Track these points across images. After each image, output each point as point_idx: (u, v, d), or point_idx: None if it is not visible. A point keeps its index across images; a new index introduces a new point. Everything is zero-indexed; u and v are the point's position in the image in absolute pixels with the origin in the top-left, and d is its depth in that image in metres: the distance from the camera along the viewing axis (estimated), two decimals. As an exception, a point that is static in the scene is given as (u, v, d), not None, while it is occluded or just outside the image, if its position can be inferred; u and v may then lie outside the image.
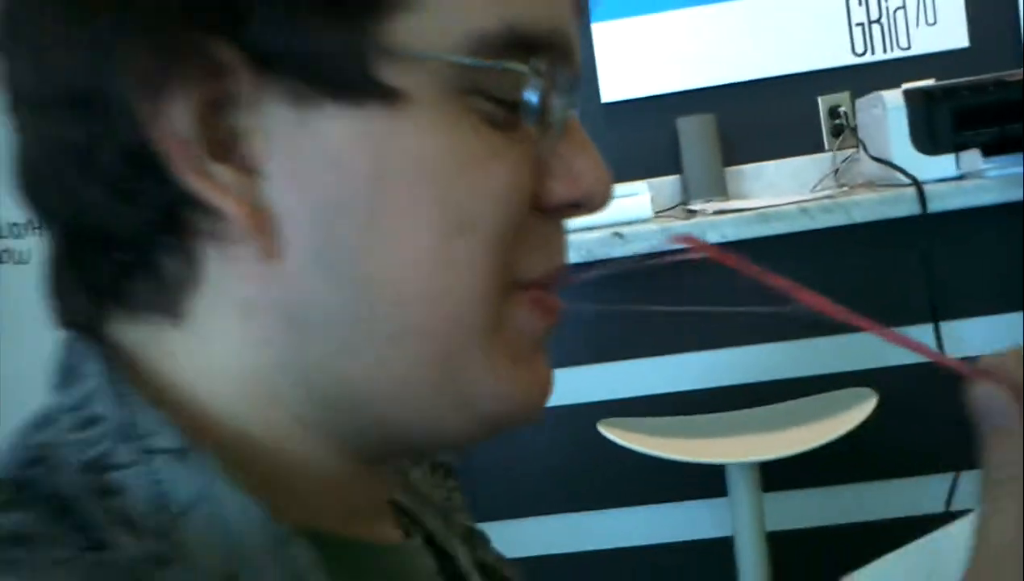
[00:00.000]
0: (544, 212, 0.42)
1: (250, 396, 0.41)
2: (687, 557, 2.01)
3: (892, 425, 1.77)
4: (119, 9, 0.36)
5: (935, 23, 2.33)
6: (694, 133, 2.24)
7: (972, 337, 1.89)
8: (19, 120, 0.41)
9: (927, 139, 1.88)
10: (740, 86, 2.34)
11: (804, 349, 1.94)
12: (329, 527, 0.43)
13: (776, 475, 1.81)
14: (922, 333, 1.84)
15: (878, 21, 2.34)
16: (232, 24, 0.36)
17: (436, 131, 0.38)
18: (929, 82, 2.22)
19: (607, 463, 1.94)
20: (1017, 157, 1.80)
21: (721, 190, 2.23)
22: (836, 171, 2.31)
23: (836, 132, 2.34)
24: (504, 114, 0.40)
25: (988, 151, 1.81)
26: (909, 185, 1.80)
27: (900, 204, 1.77)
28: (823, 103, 2.35)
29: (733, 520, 1.75)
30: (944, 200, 1.77)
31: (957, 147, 1.85)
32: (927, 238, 1.82)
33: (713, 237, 1.77)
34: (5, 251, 1.35)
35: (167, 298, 0.41)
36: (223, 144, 0.38)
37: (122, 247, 0.40)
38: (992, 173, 1.80)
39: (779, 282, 0.40)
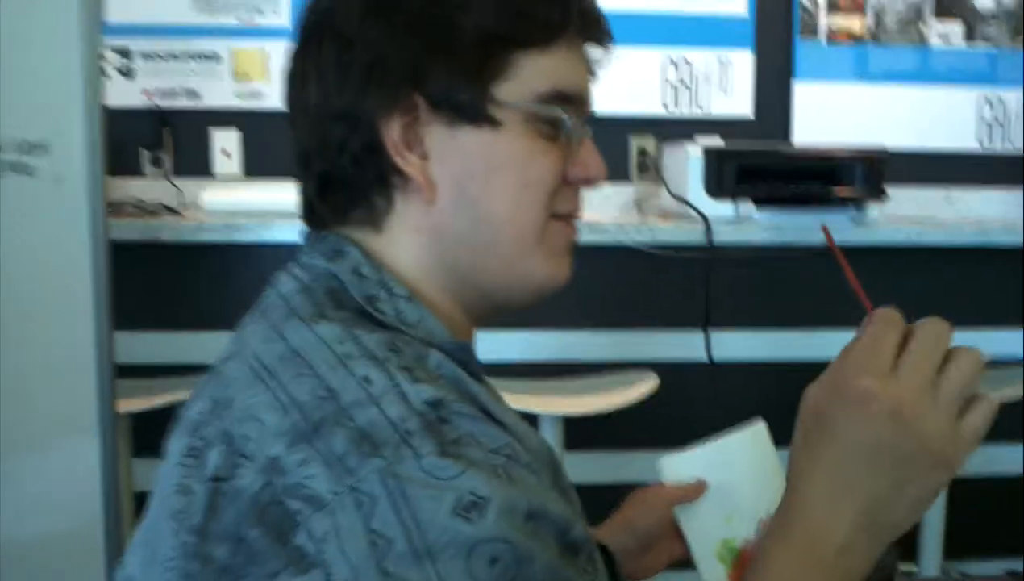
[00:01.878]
0: (569, 184, 0.78)
1: (420, 276, 0.77)
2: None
3: (670, 402, 2.27)
4: (370, 73, 0.73)
5: (729, 94, 2.89)
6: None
7: (733, 345, 2.44)
8: (301, 122, 0.77)
9: (715, 186, 2.40)
10: (572, 118, 2.79)
11: (602, 337, 2.41)
12: None
13: (577, 436, 2.26)
14: (695, 339, 2.36)
15: (685, 84, 2.87)
16: (423, 85, 0.73)
17: (516, 141, 0.75)
18: (718, 140, 2.77)
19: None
20: (780, 210, 2.35)
21: (549, 201, 2.67)
22: (638, 201, 2.82)
23: (642, 168, 2.85)
24: (552, 132, 0.76)
25: (759, 202, 2.36)
26: (699, 220, 2.32)
27: (692, 234, 2.28)
28: (634, 143, 2.86)
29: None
30: (724, 235, 2.29)
31: (736, 196, 2.38)
32: (709, 263, 2.34)
33: (551, 238, 2.20)
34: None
35: (375, 218, 0.76)
36: (412, 143, 0.74)
37: (353, 189, 0.76)
38: (760, 219, 2.34)
39: (859, 289, 0.74)
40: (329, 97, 0.74)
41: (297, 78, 0.78)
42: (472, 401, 0.67)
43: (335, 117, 0.74)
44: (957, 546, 2.50)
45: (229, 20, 2.69)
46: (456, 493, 0.59)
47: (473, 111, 0.73)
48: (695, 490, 1.20)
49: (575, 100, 0.77)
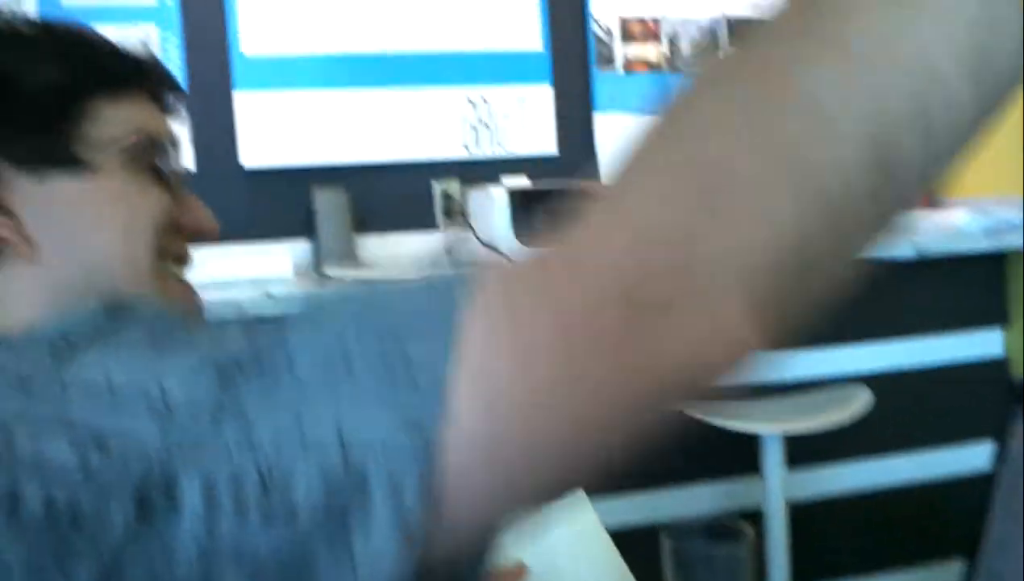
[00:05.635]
0: (180, 231, 0.76)
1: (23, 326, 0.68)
2: None
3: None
4: None
5: (531, 131, 2.80)
6: (329, 204, 2.50)
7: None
8: None
9: (524, 230, 2.29)
10: (370, 166, 2.65)
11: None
12: None
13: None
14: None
15: (486, 124, 2.76)
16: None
17: (114, 180, 0.72)
18: (524, 179, 2.67)
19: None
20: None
21: (352, 257, 2.50)
22: (448, 248, 2.68)
23: (448, 213, 2.71)
24: (150, 174, 0.74)
25: (570, 243, 2.25)
26: (510, 266, 2.19)
27: (504, 282, 2.15)
28: (437, 188, 2.72)
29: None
30: (537, 281, 2.17)
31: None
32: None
33: (351, 300, 2.02)
34: None
35: None
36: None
37: None
38: (573, 261, 2.24)
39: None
40: None
41: None
42: None
43: None
44: (803, 572, 2.46)
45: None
46: None
47: (60, 157, 0.70)
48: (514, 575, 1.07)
49: (163, 145, 0.76)
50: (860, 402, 2.25)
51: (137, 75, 0.76)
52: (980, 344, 2.70)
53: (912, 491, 2.67)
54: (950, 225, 2.57)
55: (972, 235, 2.50)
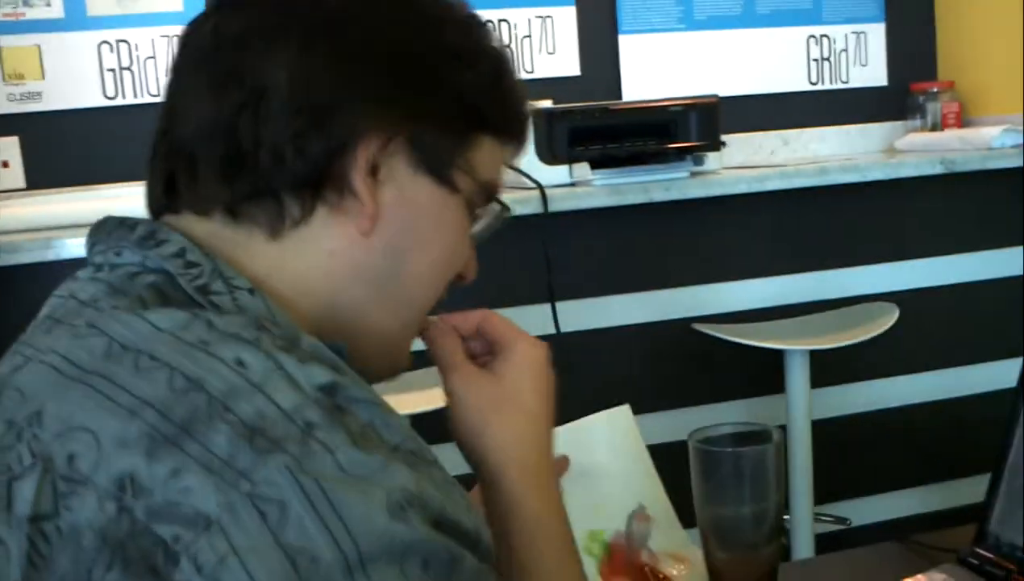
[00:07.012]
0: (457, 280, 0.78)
1: (295, 297, 0.68)
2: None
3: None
4: (377, 80, 0.68)
5: (554, 52, 2.77)
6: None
7: (580, 314, 2.33)
8: (229, 89, 0.66)
9: (547, 151, 2.27)
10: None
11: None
12: None
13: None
14: (541, 311, 2.23)
15: (508, 47, 2.73)
16: (418, 116, 0.69)
17: (459, 212, 0.73)
18: (548, 102, 2.65)
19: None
20: (616, 171, 2.24)
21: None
22: (471, 172, 2.68)
23: (471, 138, 2.70)
24: (471, 220, 0.75)
25: (594, 165, 2.25)
26: (534, 188, 2.18)
27: (528, 204, 2.15)
28: (461, 112, 2.70)
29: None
30: (561, 203, 2.17)
31: (571, 160, 2.26)
32: (547, 232, 2.21)
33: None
34: None
35: (276, 222, 0.67)
36: (377, 167, 0.67)
37: (267, 181, 0.66)
38: (597, 182, 2.23)
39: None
40: (307, 83, 0.66)
41: (241, 41, 0.67)
42: (363, 384, 0.59)
43: (306, 106, 0.65)
44: (826, 490, 2.48)
45: (-7, 14, 2.41)
46: (385, 491, 0.51)
47: (444, 165, 0.71)
48: (557, 466, 1.09)
49: (494, 200, 0.77)
50: (888, 319, 2.25)
51: (519, 132, 0.77)
52: (1010, 261, 2.68)
53: (939, 408, 2.67)
54: (980, 141, 2.53)
55: (1002, 152, 2.46)
